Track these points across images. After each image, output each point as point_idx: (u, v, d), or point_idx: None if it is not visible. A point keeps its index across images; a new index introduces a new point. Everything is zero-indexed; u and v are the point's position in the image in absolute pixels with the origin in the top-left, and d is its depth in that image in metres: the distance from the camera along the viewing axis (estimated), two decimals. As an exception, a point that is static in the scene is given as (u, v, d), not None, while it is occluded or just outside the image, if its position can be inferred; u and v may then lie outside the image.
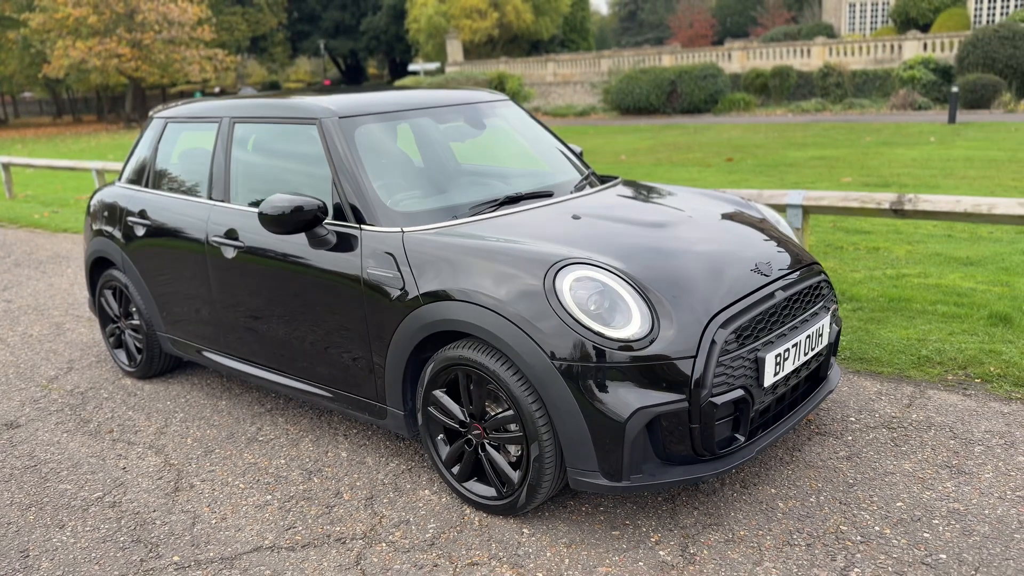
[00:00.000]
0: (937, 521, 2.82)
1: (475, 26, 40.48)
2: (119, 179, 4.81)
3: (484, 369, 2.88)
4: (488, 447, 3.00)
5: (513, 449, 2.97)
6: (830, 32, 39.65)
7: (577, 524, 2.97)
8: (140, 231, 4.37)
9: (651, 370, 2.68)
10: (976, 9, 36.21)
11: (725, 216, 3.56)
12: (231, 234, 3.79)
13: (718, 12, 73.41)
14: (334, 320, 3.41)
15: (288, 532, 3.06)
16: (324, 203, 3.34)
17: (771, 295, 3.01)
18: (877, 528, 2.80)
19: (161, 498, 3.38)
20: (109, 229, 4.61)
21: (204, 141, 4.26)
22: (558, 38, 47.22)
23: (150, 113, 4.73)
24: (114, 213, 4.59)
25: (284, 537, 3.03)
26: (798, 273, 3.22)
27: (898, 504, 2.94)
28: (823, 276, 3.34)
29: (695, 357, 2.70)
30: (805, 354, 3.08)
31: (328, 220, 3.41)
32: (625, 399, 2.66)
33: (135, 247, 4.41)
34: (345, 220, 3.39)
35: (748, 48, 31.54)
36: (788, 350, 2.96)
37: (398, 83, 34.99)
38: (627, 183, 4.05)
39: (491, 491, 3.05)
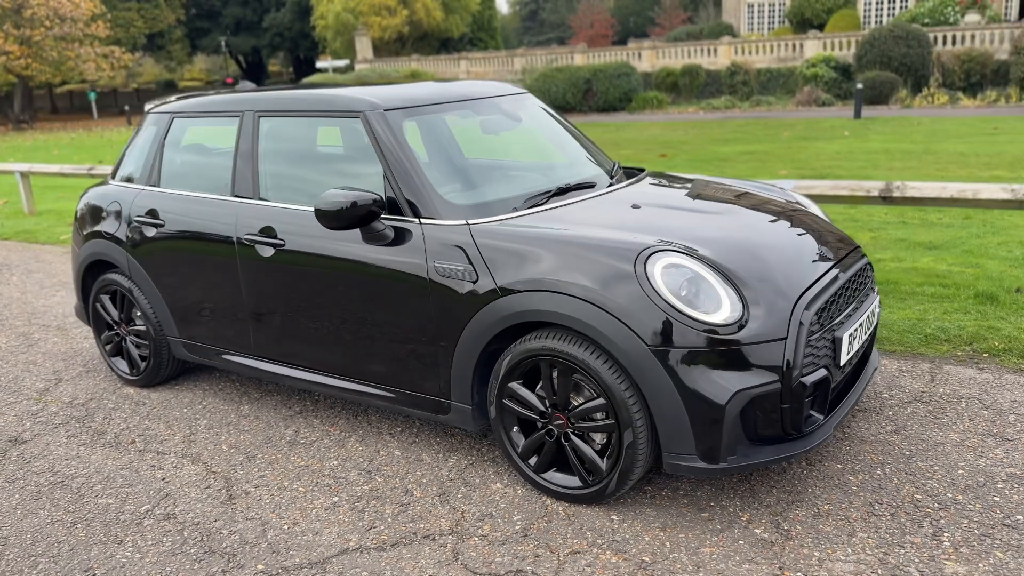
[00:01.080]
0: (1001, 485, 3.00)
1: (385, 23, 40.05)
2: (112, 178, 4.58)
3: (571, 359, 2.90)
4: (572, 436, 3.02)
5: (598, 437, 3.00)
6: (730, 32, 41.03)
7: (664, 509, 3.02)
8: (150, 232, 4.17)
9: (746, 353, 2.75)
10: (865, 10, 38.18)
11: (770, 203, 3.68)
12: (267, 232, 3.67)
13: (617, 12, 75.29)
14: (392, 316, 3.35)
15: (371, 532, 3.00)
16: (381, 197, 3.28)
17: (836, 278, 3.13)
18: (949, 495, 2.96)
19: (218, 507, 3.26)
20: (109, 230, 4.38)
21: (221, 136, 4.11)
22: (467, 36, 47.23)
23: (147, 107, 4.52)
24: (114, 214, 4.36)
25: (368, 537, 2.97)
26: (850, 256, 3.37)
27: (959, 472, 3.11)
28: (867, 258, 3.50)
29: (786, 339, 2.79)
30: (866, 333, 3.22)
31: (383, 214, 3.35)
32: (724, 382, 2.73)
33: (143, 248, 4.21)
34: (400, 214, 3.34)
35: (657, 48, 32.34)
36: (856, 329, 3.09)
37: (307, 80, 34.24)
38: (658, 174, 4.12)
39: (574, 480, 3.06)
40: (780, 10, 40.96)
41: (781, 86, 28.72)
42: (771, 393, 2.77)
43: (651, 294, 2.76)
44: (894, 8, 37.56)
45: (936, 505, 2.90)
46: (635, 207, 3.41)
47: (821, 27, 37.16)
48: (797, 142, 15.92)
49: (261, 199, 3.78)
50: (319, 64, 38.87)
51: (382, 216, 3.33)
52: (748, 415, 2.80)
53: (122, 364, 4.61)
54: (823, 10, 37.84)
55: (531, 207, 3.37)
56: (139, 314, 4.41)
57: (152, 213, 4.16)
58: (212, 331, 4.08)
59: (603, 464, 2.96)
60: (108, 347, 4.66)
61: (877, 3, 38.13)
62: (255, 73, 58.04)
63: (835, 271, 3.17)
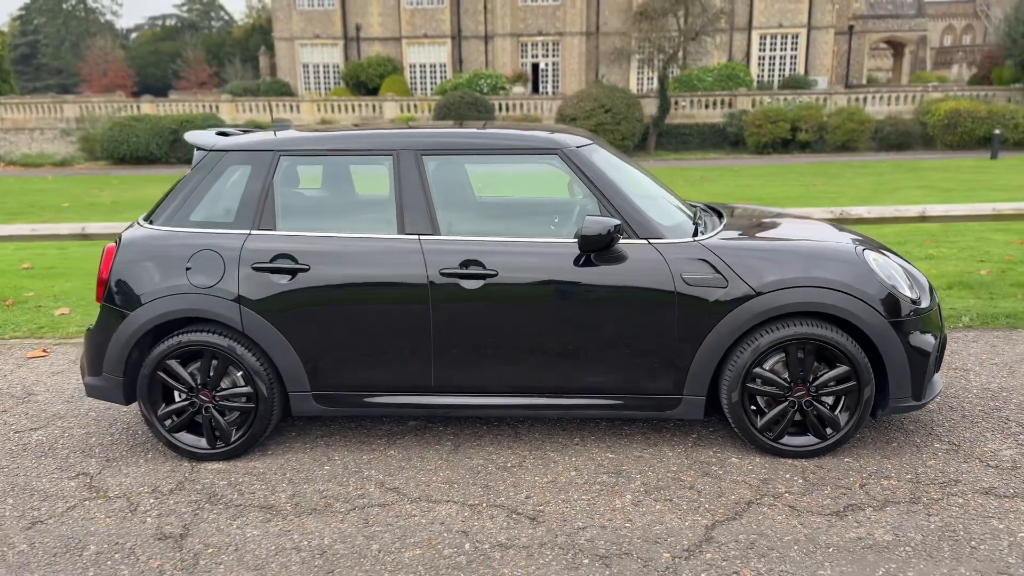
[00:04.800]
0: None
1: None
2: (166, 222, 3.96)
3: (822, 338, 3.71)
4: (814, 402, 3.81)
5: (828, 399, 3.84)
6: (288, 90, 42.12)
7: (866, 449, 3.94)
8: (281, 279, 3.80)
9: (929, 319, 3.88)
10: (411, 78, 42.47)
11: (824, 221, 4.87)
12: (474, 265, 3.74)
13: (133, 63, 71.63)
14: (626, 329, 3.75)
15: (700, 512, 3.40)
16: (620, 223, 3.71)
17: (905, 267, 4.44)
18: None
19: (535, 528, 3.31)
20: (203, 283, 3.82)
21: (363, 176, 3.99)
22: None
23: (219, 145, 4.01)
24: (209, 263, 3.83)
25: (707, 516, 3.37)
26: (882, 255, 4.72)
27: (1020, 398, 4.60)
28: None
29: (937, 308, 3.99)
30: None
31: (608, 238, 3.76)
32: (927, 339, 3.82)
33: (270, 298, 3.80)
34: (625, 238, 3.79)
35: (236, 101, 32.06)
36: (926, 302, 4.43)
37: None
38: (737, 206, 5.02)
39: (810, 439, 3.84)
40: (335, 72, 43.24)
41: (365, 143, 30.57)
42: (937, 345, 3.94)
43: (880, 280, 3.74)
44: (436, 78, 42.41)
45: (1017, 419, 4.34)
46: (783, 225, 4.32)
47: (375, 90, 40.31)
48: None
49: (443, 234, 3.82)
50: None
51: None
52: (932, 363, 3.92)
53: (195, 439, 3.97)
54: (376, 75, 41.07)
55: (699, 230, 4.07)
56: (239, 374, 3.91)
57: (286, 258, 3.80)
58: (368, 375, 3.88)
59: (841, 419, 3.81)
60: (167, 423, 3.96)
61: (421, 73, 42.75)
62: None
63: (901, 263, 4.48)
